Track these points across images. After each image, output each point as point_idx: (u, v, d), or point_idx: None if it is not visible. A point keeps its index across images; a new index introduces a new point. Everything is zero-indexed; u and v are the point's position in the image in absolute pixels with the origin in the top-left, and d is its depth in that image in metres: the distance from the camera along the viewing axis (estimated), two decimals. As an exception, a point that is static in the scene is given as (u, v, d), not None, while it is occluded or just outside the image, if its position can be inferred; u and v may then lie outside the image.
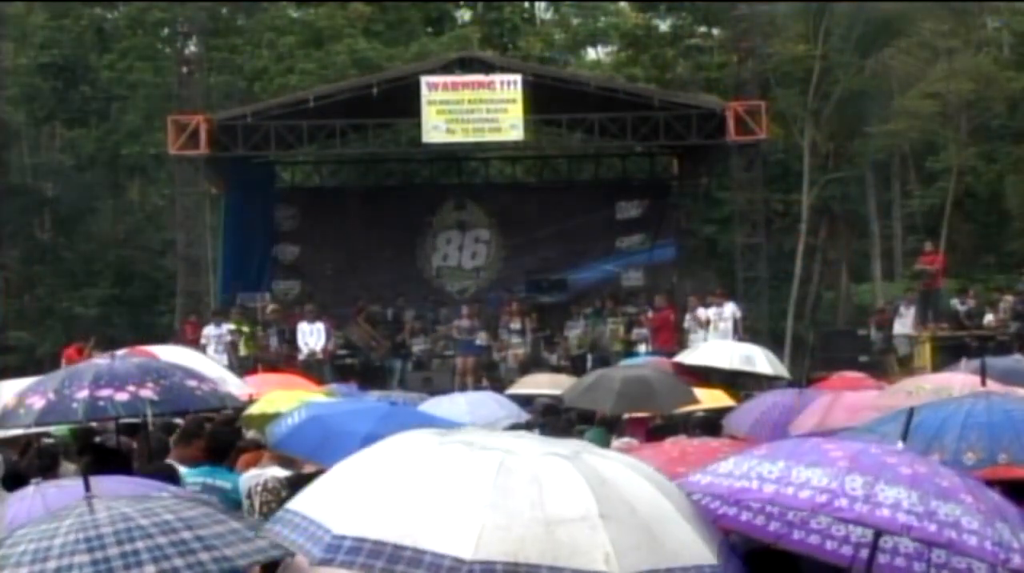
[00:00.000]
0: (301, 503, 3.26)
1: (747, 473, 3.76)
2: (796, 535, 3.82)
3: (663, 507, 3.29)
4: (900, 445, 3.86)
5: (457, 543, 2.94)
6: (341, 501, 3.15)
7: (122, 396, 6.88)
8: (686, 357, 16.49)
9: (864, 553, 3.75)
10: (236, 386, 9.76)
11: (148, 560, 3.50)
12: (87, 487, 3.83)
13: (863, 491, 3.54)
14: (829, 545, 3.81)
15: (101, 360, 7.36)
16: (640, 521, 3.16)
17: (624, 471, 3.36)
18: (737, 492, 3.76)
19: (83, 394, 6.85)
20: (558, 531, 3.02)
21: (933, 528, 3.47)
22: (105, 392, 6.87)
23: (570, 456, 3.28)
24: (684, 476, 4.71)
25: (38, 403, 6.88)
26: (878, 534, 3.68)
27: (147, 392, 6.94)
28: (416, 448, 3.33)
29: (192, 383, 7.33)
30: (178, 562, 3.51)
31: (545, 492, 3.10)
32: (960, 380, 8.03)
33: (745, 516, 3.86)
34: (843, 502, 3.54)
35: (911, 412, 4.32)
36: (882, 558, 3.77)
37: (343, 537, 3.01)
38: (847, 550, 3.79)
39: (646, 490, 3.31)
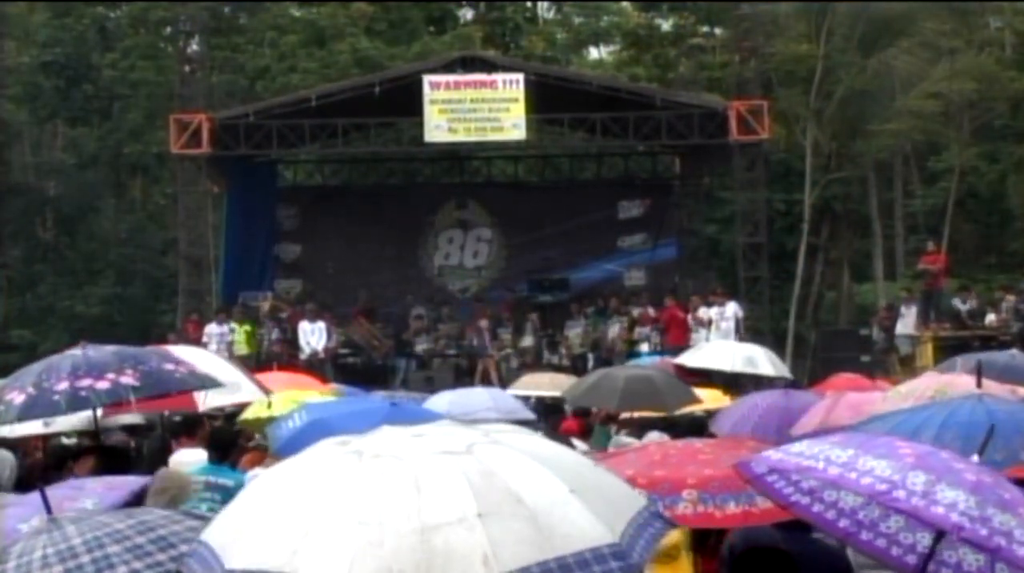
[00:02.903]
0: (210, 533, 3.30)
1: (816, 454, 3.83)
2: (864, 536, 3.86)
3: (557, 491, 3.14)
4: (976, 458, 3.91)
5: (331, 565, 2.92)
6: (237, 530, 3.17)
7: (103, 385, 6.74)
8: (688, 358, 16.45)
9: (932, 567, 3.78)
10: (250, 392, 9.63)
11: (119, 562, 3.63)
12: (47, 507, 3.92)
13: (923, 488, 3.61)
14: (895, 551, 3.83)
15: (76, 350, 7.14)
16: (527, 512, 3.04)
17: (517, 458, 3.24)
18: (804, 469, 3.82)
19: (63, 386, 6.70)
20: (434, 538, 2.94)
21: (984, 532, 3.53)
22: (85, 382, 6.73)
23: (462, 452, 3.21)
24: (663, 479, 4.72)
25: (17, 398, 6.71)
26: (937, 540, 3.71)
27: (127, 378, 6.80)
28: (309, 465, 3.31)
29: (169, 366, 7.20)
30: (161, 558, 3.65)
31: (423, 498, 3.03)
32: (926, 381, 8.07)
33: (817, 508, 3.91)
34: (901, 494, 3.60)
35: (992, 428, 4.36)
36: (943, 572, 3.79)
37: (231, 571, 3.05)
38: (912, 559, 3.81)
39: (539, 476, 3.18)
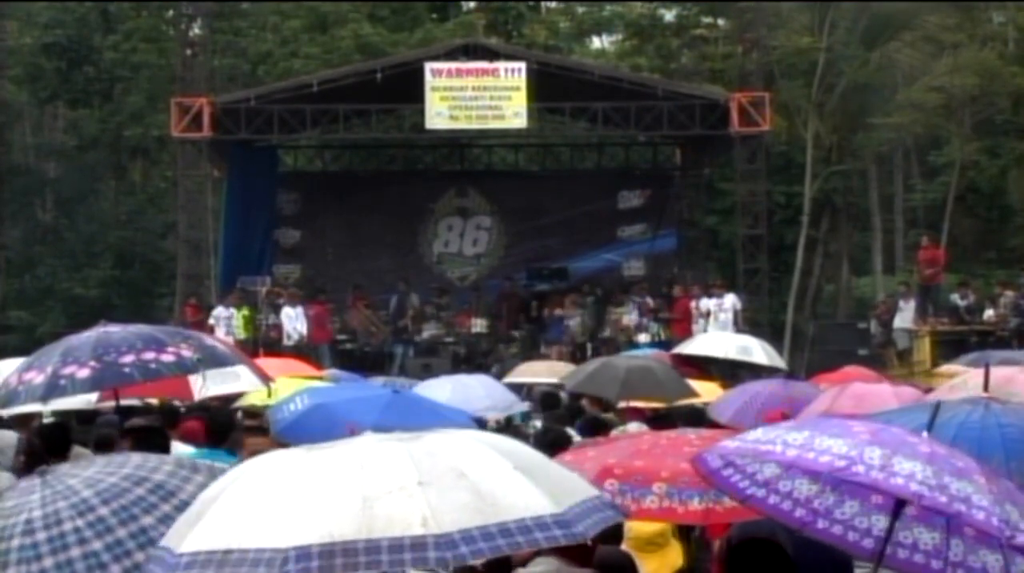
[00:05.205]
0: (167, 538, 3.43)
1: (773, 439, 3.88)
2: (820, 524, 3.92)
3: (501, 467, 3.27)
4: (925, 435, 3.94)
5: (275, 536, 3.08)
6: (188, 525, 3.33)
7: (167, 357, 6.95)
8: (684, 347, 16.55)
9: (889, 549, 3.84)
10: (249, 381, 9.61)
11: (116, 524, 3.75)
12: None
13: (880, 461, 3.67)
14: (851, 536, 3.89)
15: (107, 328, 7.28)
16: (469, 483, 3.16)
17: (462, 441, 3.41)
18: (762, 453, 3.88)
19: (129, 359, 6.88)
20: (375, 505, 3.08)
21: (944, 500, 3.59)
22: (149, 355, 6.92)
23: (408, 438, 3.36)
24: (639, 471, 4.74)
25: (81, 373, 6.86)
26: (894, 517, 3.75)
27: (188, 352, 7.02)
28: (259, 463, 3.46)
29: (210, 342, 7.51)
30: (165, 508, 3.81)
31: (365, 473, 3.18)
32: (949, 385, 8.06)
33: (773, 499, 3.95)
34: (860, 469, 3.66)
35: (937, 406, 4.43)
36: (901, 553, 3.88)
37: (181, 555, 3.19)
38: (868, 543, 3.88)
39: (483, 454, 3.32)
